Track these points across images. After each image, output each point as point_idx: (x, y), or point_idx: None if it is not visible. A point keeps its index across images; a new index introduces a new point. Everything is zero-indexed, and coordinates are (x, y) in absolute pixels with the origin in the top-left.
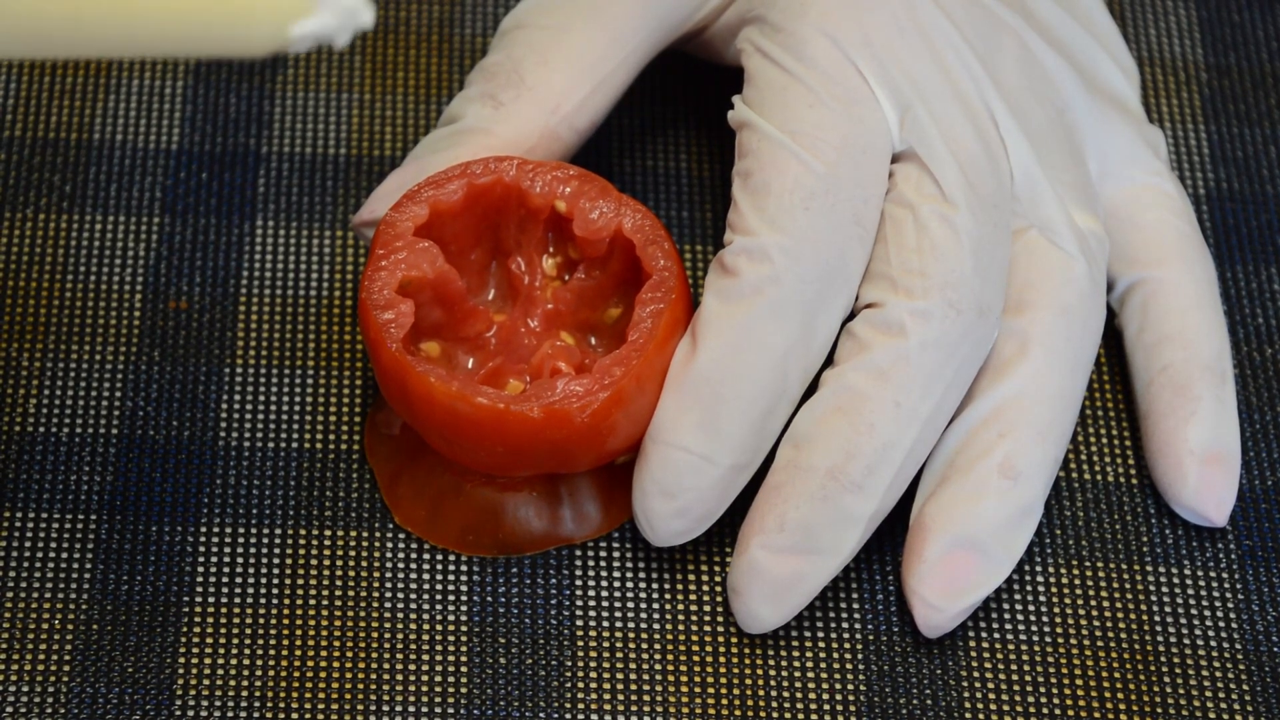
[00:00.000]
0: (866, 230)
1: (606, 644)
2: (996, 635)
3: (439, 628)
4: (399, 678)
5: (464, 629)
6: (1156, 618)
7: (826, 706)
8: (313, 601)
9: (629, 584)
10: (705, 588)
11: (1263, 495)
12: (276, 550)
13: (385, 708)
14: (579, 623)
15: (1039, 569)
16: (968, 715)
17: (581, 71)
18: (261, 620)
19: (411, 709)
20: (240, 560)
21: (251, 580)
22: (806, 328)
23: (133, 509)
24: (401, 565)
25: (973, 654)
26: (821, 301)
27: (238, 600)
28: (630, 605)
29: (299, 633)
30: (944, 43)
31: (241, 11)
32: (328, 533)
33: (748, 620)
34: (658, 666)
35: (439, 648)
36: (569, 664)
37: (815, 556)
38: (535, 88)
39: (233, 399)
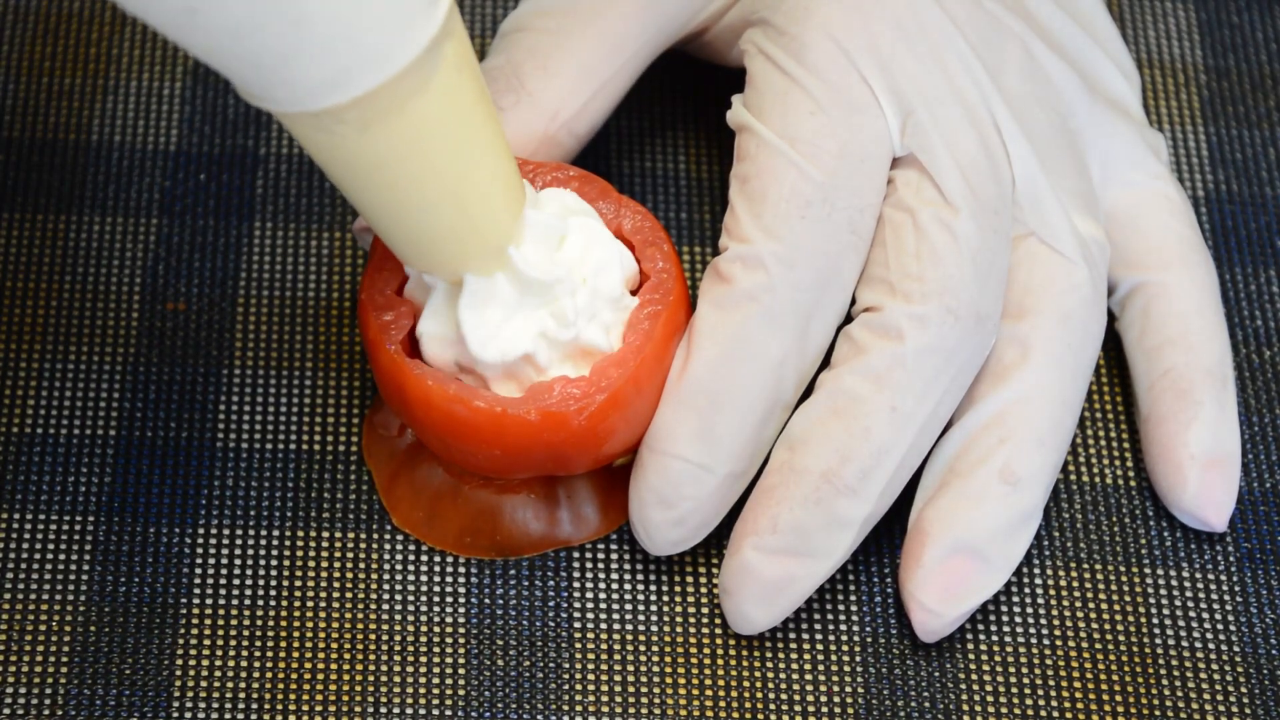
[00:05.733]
0: (862, 239)
1: (604, 646)
2: (995, 638)
3: (437, 629)
4: (397, 679)
5: (461, 630)
6: (1155, 620)
7: (824, 709)
8: (310, 603)
9: (626, 586)
10: (703, 590)
11: (1261, 498)
12: (274, 552)
13: (383, 709)
14: (576, 624)
15: (1037, 571)
16: (965, 718)
17: (582, 77)
18: (259, 622)
19: (409, 710)
20: (238, 562)
21: (249, 582)
22: (801, 335)
23: (131, 510)
24: (399, 567)
25: (971, 657)
26: (816, 309)
27: (235, 602)
28: (628, 607)
29: (296, 634)
30: (948, 47)
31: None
32: (326, 534)
33: (738, 620)
34: (655, 668)
35: (437, 649)
36: (566, 666)
37: (807, 559)
38: (535, 94)
39: (231, 400)
